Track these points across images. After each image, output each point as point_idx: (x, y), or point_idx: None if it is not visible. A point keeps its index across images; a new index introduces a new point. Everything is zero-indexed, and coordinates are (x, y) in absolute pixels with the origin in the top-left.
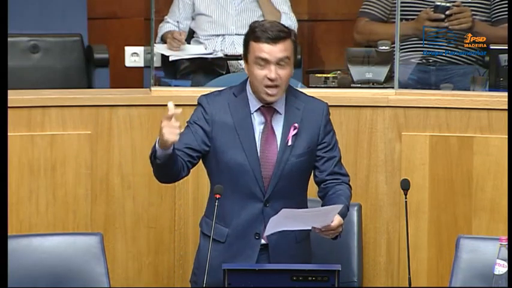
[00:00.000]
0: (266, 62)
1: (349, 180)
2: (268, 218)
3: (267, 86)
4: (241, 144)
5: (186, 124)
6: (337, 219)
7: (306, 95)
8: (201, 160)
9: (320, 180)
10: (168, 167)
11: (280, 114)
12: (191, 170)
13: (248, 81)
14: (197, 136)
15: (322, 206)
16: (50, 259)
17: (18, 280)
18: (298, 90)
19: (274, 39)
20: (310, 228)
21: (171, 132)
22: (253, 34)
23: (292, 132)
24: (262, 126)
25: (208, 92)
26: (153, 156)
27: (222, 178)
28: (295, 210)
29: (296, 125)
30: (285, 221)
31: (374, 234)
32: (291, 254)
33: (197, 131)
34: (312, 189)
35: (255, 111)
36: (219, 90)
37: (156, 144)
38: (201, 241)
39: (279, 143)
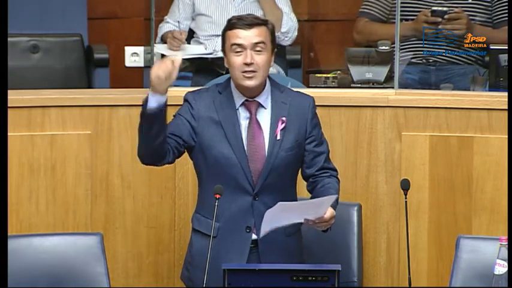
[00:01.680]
0: (242, 47)
1: (337, 174)
2: (258, 211)
3: (244, 71)
4: (227, 139)
5: (173, 116)
6: (329, 211)
7: (291, 90)
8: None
9: (309, 175)
10: (154, 134)
11: (265, 108)
12: (191, 171)
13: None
14: (184, 127)
15: (311, 198)
16: (50, 259)
17: (18, 280)
18: (283, 86)
19: (248, 25)
20: (303, 220)
21: (160, 66)
22: (229, 24)
23: (280, 126)
24: (247, 121)
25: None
26: (142, 116)
27: (211, 173)
28: (290, 203)
29: (284, 118)
30: (279, 215)
31: (374, 234)
32: (280, 248)
33: (184, 123)
34: (302, 187)
35: (240, 106)
36: (205, 88)
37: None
38: (193, 237)
39: (266, 137)
